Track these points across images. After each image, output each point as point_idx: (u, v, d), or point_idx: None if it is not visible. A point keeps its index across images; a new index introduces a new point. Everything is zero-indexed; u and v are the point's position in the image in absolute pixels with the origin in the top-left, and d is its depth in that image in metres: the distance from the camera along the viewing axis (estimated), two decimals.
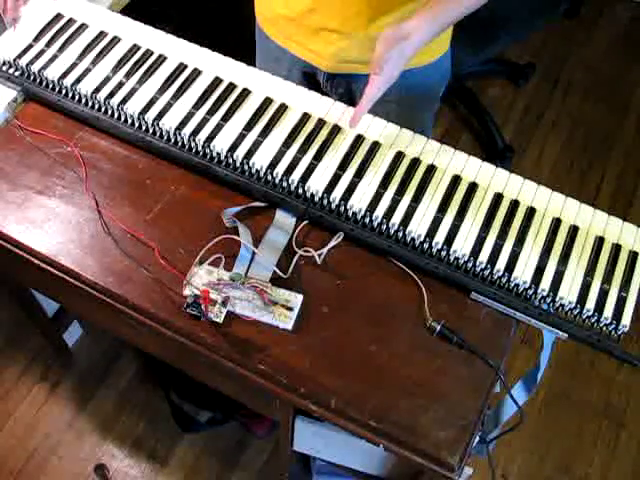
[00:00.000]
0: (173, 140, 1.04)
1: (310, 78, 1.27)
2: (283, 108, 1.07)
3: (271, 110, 1.06)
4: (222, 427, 1.68)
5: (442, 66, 1.24)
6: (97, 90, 1.07)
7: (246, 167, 1.01)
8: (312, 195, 0.99)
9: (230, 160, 1.01)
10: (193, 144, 1.03)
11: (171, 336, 0.92)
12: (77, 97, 1.08)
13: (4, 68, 1.11)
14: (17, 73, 1.11)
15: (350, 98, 1.26)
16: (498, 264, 0.93)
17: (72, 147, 1.06)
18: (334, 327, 0.92)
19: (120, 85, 1.08)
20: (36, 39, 1.13)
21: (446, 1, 0.99)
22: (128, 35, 1.14)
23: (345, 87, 1.24)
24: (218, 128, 1.03)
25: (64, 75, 1.08)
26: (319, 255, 0.96)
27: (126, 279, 0.94)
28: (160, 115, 1.04)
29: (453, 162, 1.03)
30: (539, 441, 1.72)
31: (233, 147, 1.01)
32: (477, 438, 0.92)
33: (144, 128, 1.05)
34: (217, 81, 1.09)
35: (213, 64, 1.12)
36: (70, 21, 1.16)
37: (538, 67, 2.46)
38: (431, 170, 1.02)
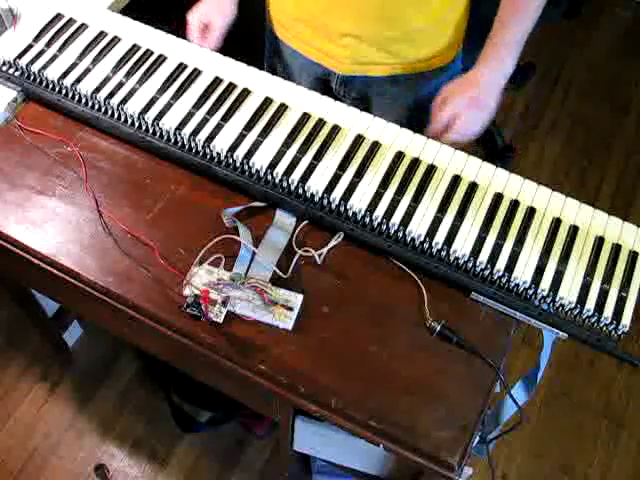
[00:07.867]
0: (173, 140, 1.04)
1: (322, 83, 1.25)
2: (283, 108, 1.07)
3: (271, 110, 1.06)
4: (222, 427, 1.68)
5: (455, 69, 1.22)
6: (97, 90, 1.07)
7: (246, 167, 1.01)
8: (312, 195, 0.99)
9: (230, 160, 1.01)
10: (193, 144, 1.03)
11: (171, 336, 0.92)
12: (77, 97, 1.08)
13: (4, 68, 1.11)
14: (17, 73, 1.11)
15: (364, 102, 1.24)
16: (498, 264, 0.93)
17: (72, 147, 1.06)
18: (334, 327, 0.92)
19: (120, 85, 1.08)
20: (36, 39, 1.13)
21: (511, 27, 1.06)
22: (128, 35, 1.14)
23: (359, 91, 1.23)
24: (218, 128, 1.03)
25: (64, 75, 1.08)
26: (319, 255, 0.96)
27: (126, 279, 0.94)
28: (160, 115, 1.04)
29: (453, 162, 1.03)
30: (539, 441, 1.72)
31: (233, 147, 1.01)
32: (477, 438, 0.92)
33: (144, 128, 1.05)
34: (217, 81, 1.09)
35: (213, 64, 1.11)
36: (70, 21, 1.16)
37: (538, 67, 2.46)
38: (431, 170, 1.02)
